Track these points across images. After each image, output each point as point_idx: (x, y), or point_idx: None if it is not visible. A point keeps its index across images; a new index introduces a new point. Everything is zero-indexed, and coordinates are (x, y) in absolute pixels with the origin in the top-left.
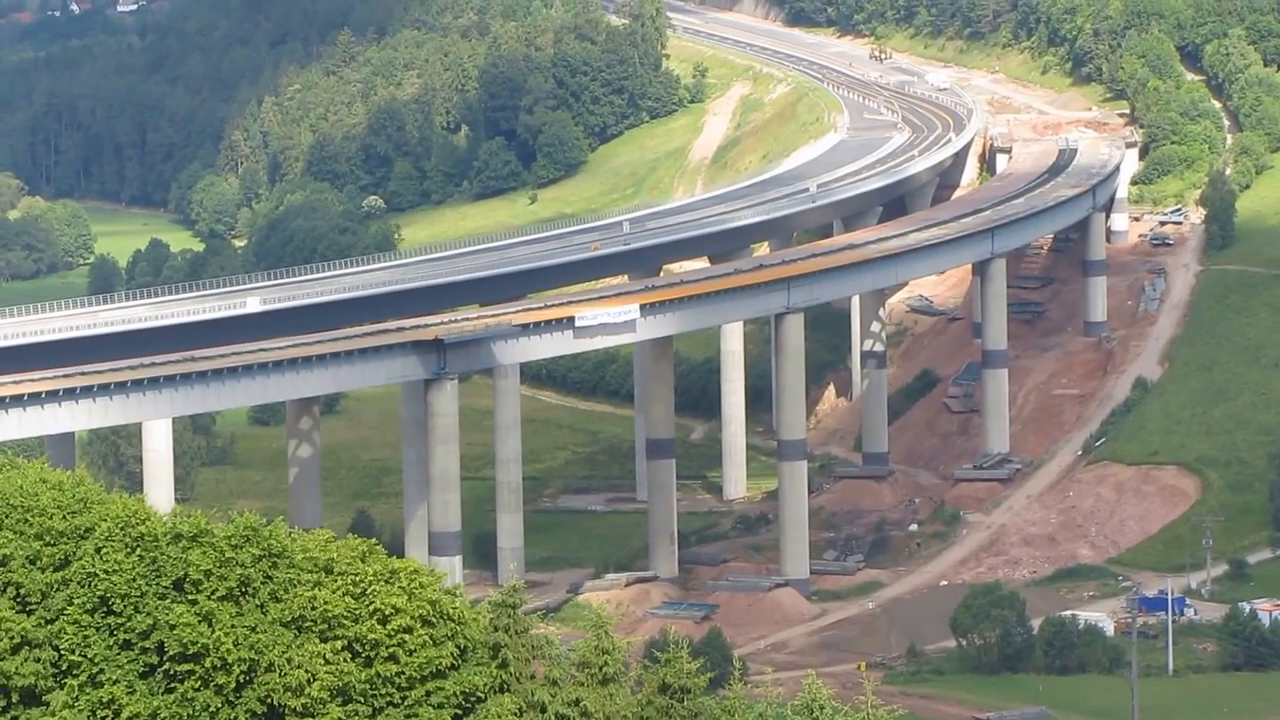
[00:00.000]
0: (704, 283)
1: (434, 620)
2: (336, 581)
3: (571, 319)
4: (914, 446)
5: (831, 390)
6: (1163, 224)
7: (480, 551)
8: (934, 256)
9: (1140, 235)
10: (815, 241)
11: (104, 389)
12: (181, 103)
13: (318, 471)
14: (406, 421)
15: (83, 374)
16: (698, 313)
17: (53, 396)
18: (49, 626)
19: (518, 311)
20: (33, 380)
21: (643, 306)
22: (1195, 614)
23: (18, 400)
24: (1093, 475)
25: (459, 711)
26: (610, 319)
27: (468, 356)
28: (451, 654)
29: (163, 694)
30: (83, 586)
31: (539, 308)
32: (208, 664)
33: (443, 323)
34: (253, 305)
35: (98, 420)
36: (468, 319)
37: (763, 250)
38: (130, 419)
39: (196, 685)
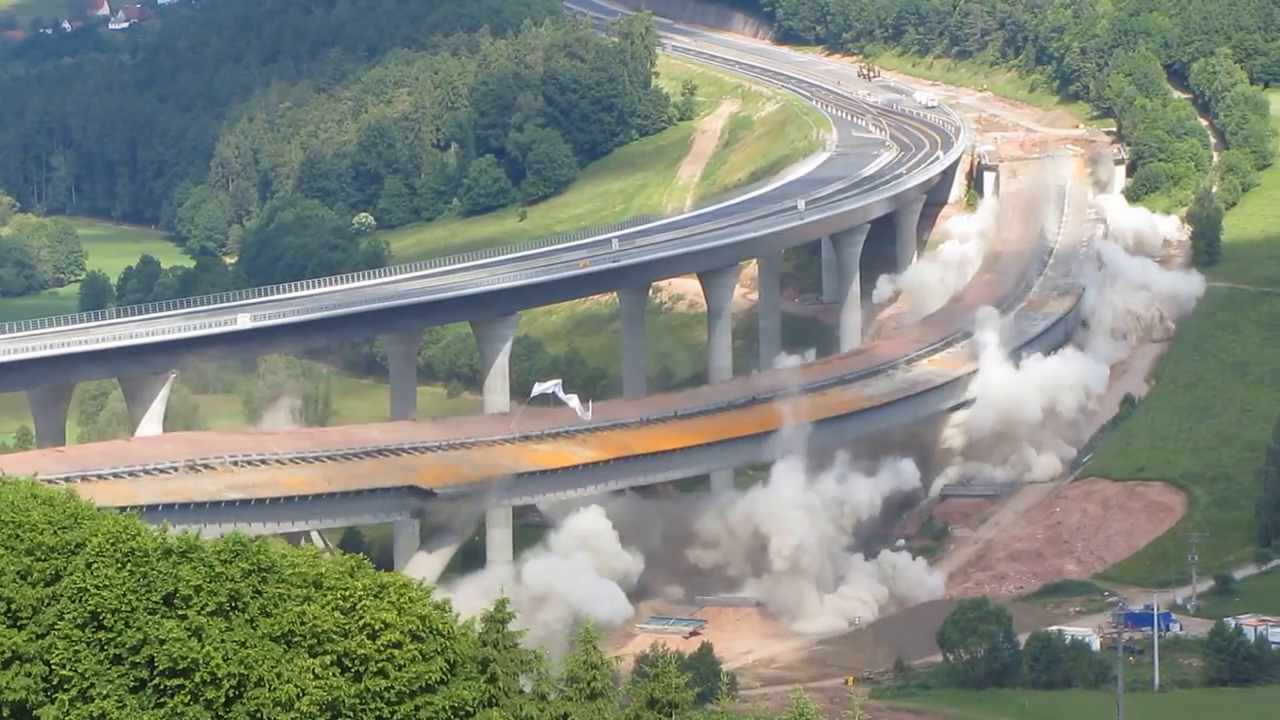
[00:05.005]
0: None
1: (423, 635)
2: (326, 596)
3: None
4: None
5: None
6: None
7: (469, 566)
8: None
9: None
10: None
11: None
12: (173, 120)
13: None
14: None
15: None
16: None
17: None
18: (40, 641)
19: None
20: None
21: None
22: (1181, 629)
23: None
24: (1079, 491)
25: None
26: None
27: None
28: (440, 669)
29: (153, 709)
30: (73, 601)
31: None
32: (197, 679)
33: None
34: (243, 322)
35: None
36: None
37: (753, 269)
38: None
39: (186, 700)
